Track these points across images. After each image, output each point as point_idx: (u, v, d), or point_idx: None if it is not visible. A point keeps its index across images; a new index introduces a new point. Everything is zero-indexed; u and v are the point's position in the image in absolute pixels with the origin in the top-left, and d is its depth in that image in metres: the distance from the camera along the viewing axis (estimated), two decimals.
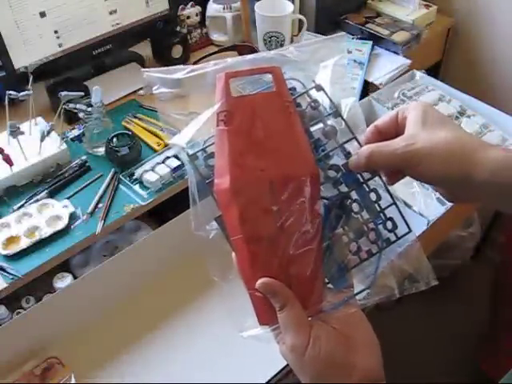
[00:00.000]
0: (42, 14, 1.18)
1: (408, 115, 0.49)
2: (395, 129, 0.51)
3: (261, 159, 0.45)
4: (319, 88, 0.51)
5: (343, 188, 0.50)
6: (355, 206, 0.51)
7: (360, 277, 0.50)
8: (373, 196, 0.51)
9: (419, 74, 1.41)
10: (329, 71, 0.53)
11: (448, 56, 1.73)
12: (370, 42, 1.47)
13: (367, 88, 1.39)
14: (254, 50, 1.46)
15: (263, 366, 0.94)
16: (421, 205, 1.13)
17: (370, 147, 0.49)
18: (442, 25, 1.63)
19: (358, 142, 0.51)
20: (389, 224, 0.50)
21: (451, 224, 1.33)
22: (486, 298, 1.59)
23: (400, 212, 0.51)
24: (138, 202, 1.09)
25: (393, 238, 0.51)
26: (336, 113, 0.51)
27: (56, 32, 1.22)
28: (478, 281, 1.83)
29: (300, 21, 1.47)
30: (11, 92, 1.08)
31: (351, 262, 0.50)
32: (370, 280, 0.49)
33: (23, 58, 1.19)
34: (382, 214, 0.51)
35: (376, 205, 0.51)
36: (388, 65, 1.43)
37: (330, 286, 0.50)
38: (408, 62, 1.44)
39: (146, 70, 0.52)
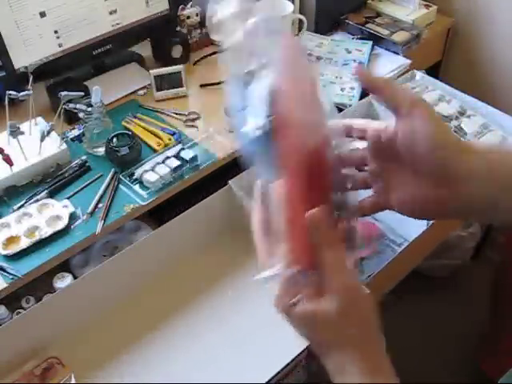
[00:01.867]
0: (42, 14, 1.18)
1: None
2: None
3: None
4: None
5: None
6: None
7: None
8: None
9: (419, 74, 1.41)
10: None
11: (448, 56, 1.73)
12: (370, 42, 1.47)
13: None
14: None
15: (263, 366, 0.94)
16: None
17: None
18: (441, 25, 1.63)
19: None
20: None
21: (451, 224, 1.33)
22: (486, 298, 1.59)
23: None
24: (137, 202, 1.09)
25: None
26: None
27: (56, 32, 1.22)
28: (477, 281, 1.82)
29: (300, 21, 1.47)
30: (11, 92, 1.08)
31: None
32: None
33: (23, 57, 1.19)
34: None
35: None
36: (388, 65, 1.43)
37: None
38: (408, 62, 1.44)
39: None
